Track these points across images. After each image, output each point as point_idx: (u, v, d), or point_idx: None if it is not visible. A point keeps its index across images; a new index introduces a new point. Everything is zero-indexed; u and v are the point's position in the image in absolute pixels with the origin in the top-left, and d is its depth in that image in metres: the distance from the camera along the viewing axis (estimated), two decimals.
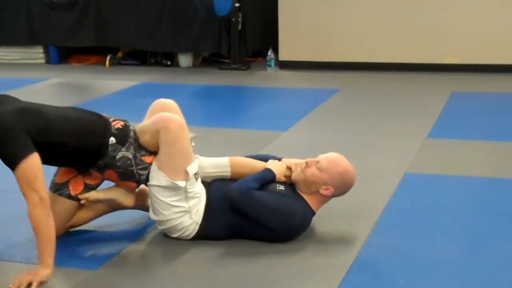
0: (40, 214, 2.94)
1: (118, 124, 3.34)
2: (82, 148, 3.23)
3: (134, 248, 3.36)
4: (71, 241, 3.42)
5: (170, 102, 3.60)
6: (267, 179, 3.40)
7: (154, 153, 3.34)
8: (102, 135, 3.26)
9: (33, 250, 3.30)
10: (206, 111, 6.40)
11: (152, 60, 8.65)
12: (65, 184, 3.40)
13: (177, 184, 3.27)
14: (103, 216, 3.59)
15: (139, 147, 3.34)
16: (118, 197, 3.43)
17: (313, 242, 3.36)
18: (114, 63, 8.67)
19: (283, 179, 3.47)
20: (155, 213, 3.37)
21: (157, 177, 3.30)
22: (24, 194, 2.97)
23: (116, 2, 8.52)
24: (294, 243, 3.32)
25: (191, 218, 3.34)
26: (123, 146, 3.29)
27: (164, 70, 8.36)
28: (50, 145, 3.11)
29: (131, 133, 3.35)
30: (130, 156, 3.30)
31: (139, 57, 8.68)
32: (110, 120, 3.35)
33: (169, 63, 8.54)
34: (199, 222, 3.35)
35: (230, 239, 3.36)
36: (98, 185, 3.45)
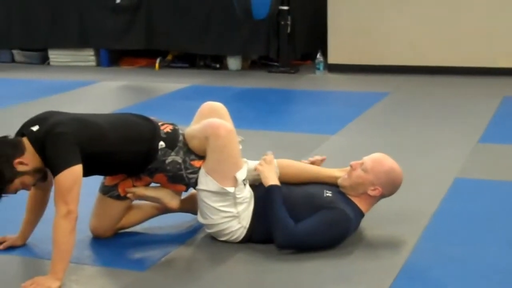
0: (64, 227, 2.94)
1: (167, 128, 3.35)
2: (132, 154, 3.25)
3: (182, 251, 3.38)
4: (120, 243, 3.45)
5: (218, 105, 3.60)
6: (280, 197, 3.30)
7: (204, 157, 3.34)
8: (151, 140, 3.28)
9: (84, 250, 3.35)
10: (255, 114, 6.41)
11: (201, 63, 8.70)
12: (114, 187, 3.43)
13: (226, 190, 3.28)
14: (153, 219, 3.62)
15: (189, 151, 3.34)
16: (164, 198, 3.43)
17: (361, 247, 3.34)
18: (164, 66, 8.74)
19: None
20: (203, 217, 3.38)
21: (206, 182, 3.31)
22: (55, 202, 2.98)
23: (166, 5, 8.59)
24: (342, 247, 3.30)
25: (239, 222, 3.34)
26: (172, 150, 3.30)
27: (213, 73, 8.39)
28: (100, 155, 3.15)
29: (180, 137, 3.36)
30: (180, 161, 3.31)
31: (188, 60, 8.75)
32: (159, 124, 3.37)
33: (218, 66, 8.58)
34: (247, 226, 3.35)
35: None
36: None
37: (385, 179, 3.34)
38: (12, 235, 3.38)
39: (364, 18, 7.92)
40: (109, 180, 3.45)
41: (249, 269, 3.18)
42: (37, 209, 3.33)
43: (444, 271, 3.10)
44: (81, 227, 3.47)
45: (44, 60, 9.23)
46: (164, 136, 3.31)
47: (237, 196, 3.30)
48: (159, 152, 3.27)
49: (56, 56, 9.18)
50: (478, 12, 7.57)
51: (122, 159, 3.24)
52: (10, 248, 3.35)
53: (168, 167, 3.30)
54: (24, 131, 3.12)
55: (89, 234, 3.49)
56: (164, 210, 3.58)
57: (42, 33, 9.08)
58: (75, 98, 7.03)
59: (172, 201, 3.44)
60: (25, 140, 3.07)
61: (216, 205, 3.31)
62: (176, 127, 3.41)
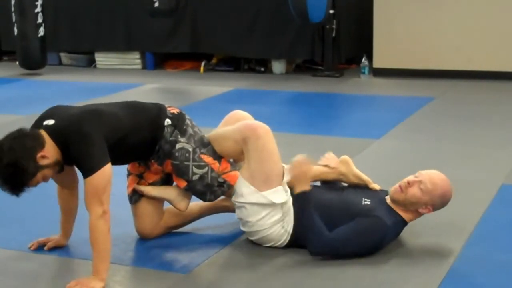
0: (102, 228, 2.95)
1: (174, 110, 3.39)
2: (141, 135, 3.25)
3: (225, 253, 3.37)
4: (163, 244, 3.46)
5: (246, 115, 3.62)
6: (311, 204, 3.29)
7: (214, 156, 3.34)
8: (158, 118, 3.30)
9: (127, 251, 3.37)
10: (299, 118, 6.39)
11: (246, 67, 8.72)
12: (134, 192, 3.47)
13: (274, 203, 3.28)
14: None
15: (201, 143, 3.35)
16: (174, 199, 3.42)
17: (404, 253, 3.30)
18: (208, 69, 8.78)
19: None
20: (245, 226, 3.37)
21: (257, 197, 3.28)
22: (88, 204, 2.97)
23: (211, 9, 8.64)
24: (385, 254, 3.26)
25: (282, 227, 3.32)
26: (180, 132, 3.30)
27: (257, 76, 8.41)
28: (119, 141, 3.14)
29: (187, 121, 3.37)
30: (190, 149, 3.31)
31: (233, 64, 8.77)
32: (166, 106, 3.40)
33: (262, 69, 8.60)
34: (290, 231, 3.33)
35: None
36: (157, 182, 3.47)
37: (439, 201, 3.30)
38: (55, 236, 3.42)
39: (410, 22, 7.86)
40: (128, 190, 3.49)
41: (292, 273, 3.16)
42: (70, 206, 3.36)
43: (490, 278, 3.05)
44: (124, 229, 3.51)
45: (90, 63, 9.35)
46: (170, 115, 3.34)
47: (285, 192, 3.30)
48: (165, 130, 3.28)
49: (102, 59, 9.30)
50: None
51: (134, 141, 3.23)
52: (55, 248, 3.39)
53: (176, 154, 3.29)
54: (38, 127, 3.08)
55: (132, 236, 3.51)
56: (214, 210, 3.61)
57: (89, 37, 9.21)
58: (121, 100, 7.08)
59: (181, 202, 3.43)
60: (43, 132, 3.03)
61: (263, 214, 3.30)
62: (183, 112, 3.43)
